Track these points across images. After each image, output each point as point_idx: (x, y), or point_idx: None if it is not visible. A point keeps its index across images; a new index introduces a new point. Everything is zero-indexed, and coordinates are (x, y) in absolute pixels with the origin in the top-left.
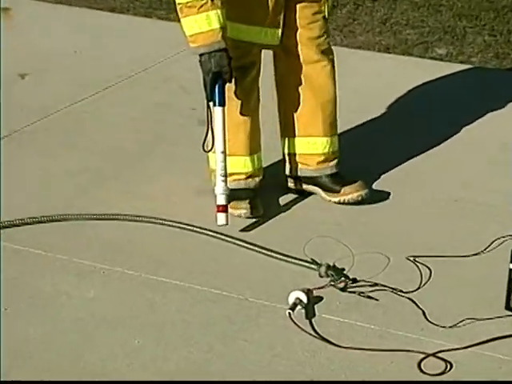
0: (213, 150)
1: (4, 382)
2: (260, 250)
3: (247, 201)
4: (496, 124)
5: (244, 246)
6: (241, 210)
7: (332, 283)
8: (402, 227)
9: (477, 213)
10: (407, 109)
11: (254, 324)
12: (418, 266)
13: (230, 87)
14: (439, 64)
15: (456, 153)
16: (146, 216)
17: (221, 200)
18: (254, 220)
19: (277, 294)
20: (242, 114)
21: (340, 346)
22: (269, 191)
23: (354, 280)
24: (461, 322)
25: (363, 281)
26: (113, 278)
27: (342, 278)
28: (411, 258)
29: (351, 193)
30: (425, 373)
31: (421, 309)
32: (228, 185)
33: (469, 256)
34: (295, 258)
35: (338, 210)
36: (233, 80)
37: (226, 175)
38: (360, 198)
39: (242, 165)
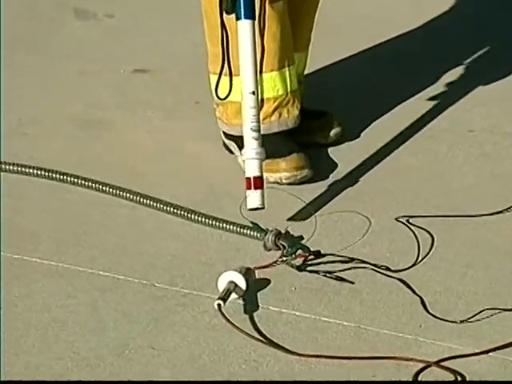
0: (232, 94)
1: (4, 381)
2: (173, 209)
3: (288, 154)
4: None
5: (147, 205)
6: (278, 172)
7: (284, 259)
8: (388, 173)
9: (502, 149)
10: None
11: (165, 323)
12: (413, 232)
13: None
14: None
15: (475, 63)
16: None
17: (253, 169)
18: None
19: (199, 276)
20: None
21: (296, 354)
22: None
23: (318, 254)
24: (478, 313)
25: (331, 255)
26: None
27: (300, 251)
28: (403, 220)
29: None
30: None
31: (418, 295)
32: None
33: (489, 215)
34: (228, 222)
35: None
36: None
37: (259, 129)
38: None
39: (269, 86)
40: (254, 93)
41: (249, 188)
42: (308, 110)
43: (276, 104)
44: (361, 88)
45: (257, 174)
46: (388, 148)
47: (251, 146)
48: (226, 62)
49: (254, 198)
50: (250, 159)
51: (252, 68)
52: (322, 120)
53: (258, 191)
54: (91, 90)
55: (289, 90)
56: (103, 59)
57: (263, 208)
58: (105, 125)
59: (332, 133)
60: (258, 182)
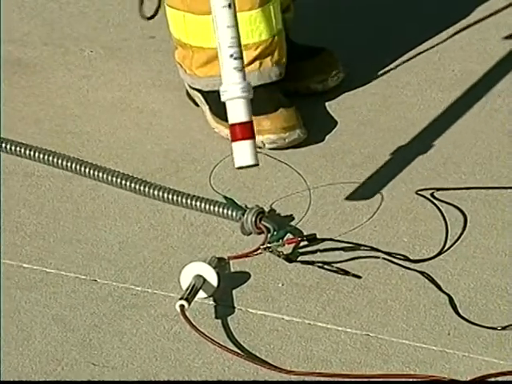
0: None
1: (4, 382)
2: (120, 181)
3: (273, 111)
4: None
5: (87, 175)
6: (261, 134)
7: (268, 245)
8: (406, 131)
9: None
10: None
11: (110, 331)
12: (439, 209)
13: None
14: None
15: None
16: None
17: (238, 112)
18: None
19: (156, 269)
20: None
21: (285, 371)
22: None
23: (313, 238)
24: None
25: (331, 240)
26: None
27: (289, 236)
28: (426, 194)
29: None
30: None
31: (446, 293)
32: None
33: None
34: (193, 198)
35: None
36: None
37: (241, 55)
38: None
39: (248, 29)
40: (230, 6)
41: (235, 139)
42: (299, 45)
43: (258, 51)
44: (370, 15)
45: (244, 118)
46: (406, 97)
47: (233, 79)
48: None
49: (242, 152)
50: (233, 99)
51: None
52: (318, 59)
53: (248, 142)
54: (8, 19)
55: (274, 31)
56: None
57: (256, 165)
58: (27, 67)
59: (331, 77)
60: (247, 130)
